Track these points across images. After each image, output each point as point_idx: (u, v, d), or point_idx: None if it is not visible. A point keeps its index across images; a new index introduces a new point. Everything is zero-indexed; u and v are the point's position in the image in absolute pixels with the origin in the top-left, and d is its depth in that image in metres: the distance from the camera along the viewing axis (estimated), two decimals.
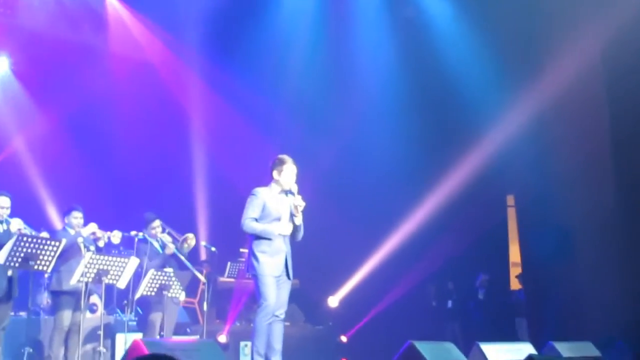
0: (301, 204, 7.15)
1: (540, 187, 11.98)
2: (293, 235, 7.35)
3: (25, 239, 7.88)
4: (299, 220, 7.25)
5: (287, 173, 7.24)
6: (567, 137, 11.59)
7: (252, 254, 7.17)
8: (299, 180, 7.30)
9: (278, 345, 7.17)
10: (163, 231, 9.67)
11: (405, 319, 12.24)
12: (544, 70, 11.29)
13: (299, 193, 7.19)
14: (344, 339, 12.94)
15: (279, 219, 7.19)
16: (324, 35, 13.23)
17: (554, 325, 11.31)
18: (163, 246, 9.56)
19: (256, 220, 7.14)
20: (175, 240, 9.67)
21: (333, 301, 13.26)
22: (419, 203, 12.92)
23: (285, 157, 7.33)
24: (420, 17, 12.90)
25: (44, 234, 8.37)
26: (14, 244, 7.80)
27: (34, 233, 8.26)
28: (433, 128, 12.74)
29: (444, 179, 12.64)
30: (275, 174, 7.28)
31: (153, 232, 9.56)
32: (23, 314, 9.25)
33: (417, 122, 12.64)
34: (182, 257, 9.51)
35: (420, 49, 12.69)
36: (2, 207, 8.25)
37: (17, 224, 8.16)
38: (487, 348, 7.80)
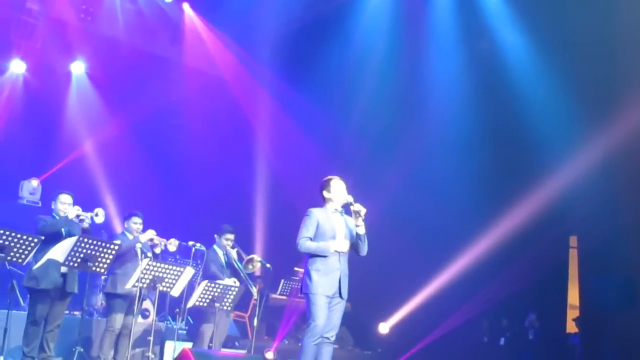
0: (362, 209, 7.08)
1: (606, 232, 11.64)
2: (358, 249, 7.24)
3: (85, 240, 8.02)
4: (362, 229, 7.17)
5: (336, 187, 7.24)
6: (638, 183, 11.27)
7: (306, 272, 7.15)
8: (361, 203, 7.25)
9: None
10: (233, 247, 9.75)
11: (455, 353, 12.05)
12: (618, 113, 11.01)
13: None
14: None
15: (334, 237, 7.14)
16: (396, 62, 13.21)
17: None
18: (227, 262, 9.62)
19: (311, 239, 7.11)
20: (240, 259, 9.73)
21: (384, 327, 13.14)
22: (481, 236, 12.72)
23: (330, 176, 7.34)
24: (495, 50, 12.77)
25: (100, 211, 8.43)
26: (75, 245, 7.94)
27: (89, 215, 8.34)
28: (501, 162, 12.55)
29: (507, 214, 12.42)
30: (325, 193, 7.27)
31: (224, 242, 9.63)
32: (77, 313, 9.40)
33: (485, 155, 12.50)
34: (241, 271, 9.55)
35: (493, 82, 12.54)
36: (64, 204, 8.42)
37: (74, 211, 8.28)
38: None
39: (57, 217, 8.37)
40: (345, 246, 7.16)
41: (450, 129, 12.90)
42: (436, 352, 12.56)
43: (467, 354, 12.15)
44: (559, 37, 11.55)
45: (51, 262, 8.05)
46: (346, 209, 7.27)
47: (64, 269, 8.24)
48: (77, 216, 8.27)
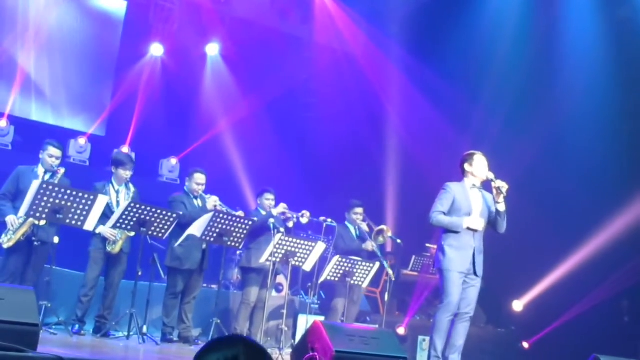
0: (504, 185, 6.97)
1: None
2: (496, 226, 7.19)
3: (221, 215, 8.32)
4: (502, 206, 7.08)
5: (479, 163, 7.15)
6: None
7: (439, 247, 7.12)
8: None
9: (460, 341, 7.09)
10: (363, 221, 9.85)
11: (593, 332, 11.62)
12: None
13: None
14: (526, 345, 12.52)
15: (469, 214, 7.06)
16: (529, 32, 12.83)
17: None
18: (361, 236, 9.71)
19: (444, 214, 7.06)
20: (370, 231, 9.82)
21: (518, 305, 12.86)
22: (621, 210, 12.18)
23: (473, 151, 7.27)
24: (637, 17, 12.16)
25: (240, 213, 8.77)
26: (211, 220, 8.26)
27: (229, 211, 8.68)
28: None
29: None
30: (466, 166, 7.20)
31: (354, 217, 9.77)
32: (214, 286, 9.74)
33: (625, 126, 11.96)
34: (377, 252, 9.63)
35: (634, 50, 11.98)
36: (198, 184, 8.77)
37: (213, 201, 8.63)
38: None
39: (195, 201, 8.68)
40: (479, 224, 7.06)
41: (588, 98, 12.40)
42: (573, 331, 12.17)
43: (607, 334, 11.69)
44: None
45: (193, 243, 8.42)
46: (485, 186, 7.18)
47: (204, 246, 8.59)
48: (215, 206, 8.56)
